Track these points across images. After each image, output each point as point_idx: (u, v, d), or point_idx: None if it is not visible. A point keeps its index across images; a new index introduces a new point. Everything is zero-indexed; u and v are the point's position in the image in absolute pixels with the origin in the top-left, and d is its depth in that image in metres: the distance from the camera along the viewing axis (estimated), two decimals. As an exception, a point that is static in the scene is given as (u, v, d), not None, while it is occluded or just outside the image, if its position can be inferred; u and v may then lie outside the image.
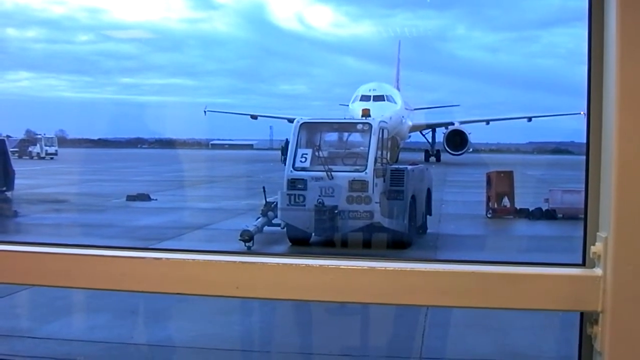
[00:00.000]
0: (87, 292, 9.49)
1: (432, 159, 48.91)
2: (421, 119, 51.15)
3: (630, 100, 2.34)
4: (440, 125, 49.92)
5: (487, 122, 53.09)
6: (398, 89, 47.69)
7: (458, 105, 56.07)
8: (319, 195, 18.45)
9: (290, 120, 46.92)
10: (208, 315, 11.49)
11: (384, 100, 39.18)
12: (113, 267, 2.77)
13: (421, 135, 52.25)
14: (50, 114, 66.70)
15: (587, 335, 2.50)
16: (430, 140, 52.09)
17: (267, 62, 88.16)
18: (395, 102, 41.26)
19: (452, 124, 47.95)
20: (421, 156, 47.43)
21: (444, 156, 47.73)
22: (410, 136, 48.97)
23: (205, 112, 46.34)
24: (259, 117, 50.55)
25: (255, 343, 11.37)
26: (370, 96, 38.72)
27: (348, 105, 39.43)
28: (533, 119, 50.54)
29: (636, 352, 2.38)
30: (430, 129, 51.63)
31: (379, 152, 19.29)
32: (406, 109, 44.68)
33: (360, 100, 38.45)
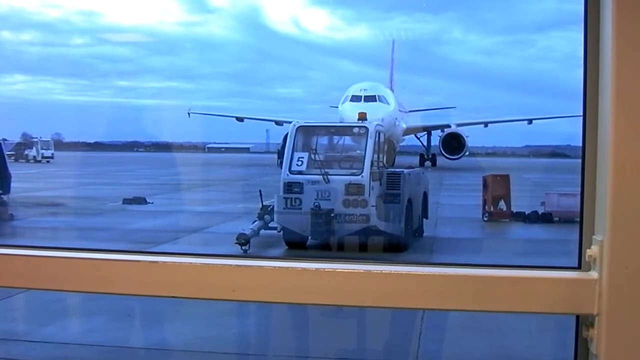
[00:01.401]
0: (83, 295, 9.47)
1: (428, 163, 46.75)
2: (416, 121, 49.01)
3: (626, 103, 2.34)
4: (436, 127, 47.98)
5: (485, 124, 50.89)
6: (392, 89, 45.73)
7: (454, 107, 54.46)
8: (316, 199, 18.45)
9: (278, 123, 46.45)
10: (204, 318, 11.47)
11: (376, 101, 37.21)
12: (109, 270, 2.77)
13: (416, 139, 50.19)
14: (47, 117, 66.62)
15: (583, 339, 2.50)
16: (425, 144, 49.90)
17: (263, 66, 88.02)
18: (388, 103, 39.22)
19: (449, 126, 46.09)
20: (416, 160, 45.53)
21: (440, 160, 46.02)
22: (404, 139, 46.69)
23: (189, 114, 44.44)
24: (245, 120, 48.89)
25: (251, 346, 11.36)
26: (361, 96, 36.83)
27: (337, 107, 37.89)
28: (533, 121, 48.72)
29: (632, 355, 2.38)
30: (425, 132, 49.45)
31: (376, 156, 19.30)
32: (400, 110, 42.68)
33: (351, 100, 36.84)
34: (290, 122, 43.08)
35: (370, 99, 36.93)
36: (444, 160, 44.78)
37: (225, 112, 50.22)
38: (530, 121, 48.79)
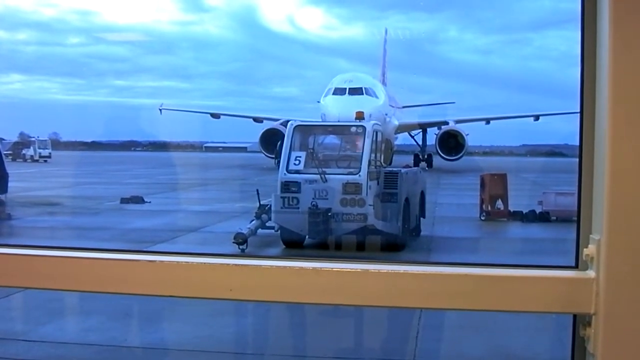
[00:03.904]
0: (80, 294, 9.47)
1: (423, 164, 42.20)
2: (411, 118, 45.15)
3: (623, 102, 2.34)
4: (432, 124, 44.34)
5: (487, 121, 47.01)
6: (384, 83, 42.63)
7: (453, 103, 50.54)
8: (313, 198, 18.44)
9: (256, 120, 45.36)
10: (202, 317, 11.47)
11: (362, 94, 33.76)
12: (106, 270, 2.77)
13: (410, 137, 46.65)
14: (44, 116, 66.52)
15: (580, 337, 2.50)
16: (420, 143, 45.90)
17: (259, 65, 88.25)
18: (377, 97, 35.57)
19: (446, 123, 42.89)
20: (410, 160, 41.31)
21: (437, 161, 42.80)
22: (396, 137, 42.95)
23: (160, 110, 43.27)
24: (221, 116, 47.24)
25: (249, 345, 11.36)
26: (345, 89, 33.61)
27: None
28: (534, 118, 45.38)
29: (629, 354, 2.38)
30: (420, 130, 45.45)
31: (373, 155, 19.31)
32: (391, 105, 39.24)
33: (334, 93, 33.84)
34: (271, 120, 42.31)
35: (355, 91, 33.97)
36: (441, 161, 42.08)
37: (223, 111, 49.62)
38: (537, 117, 45.68)
